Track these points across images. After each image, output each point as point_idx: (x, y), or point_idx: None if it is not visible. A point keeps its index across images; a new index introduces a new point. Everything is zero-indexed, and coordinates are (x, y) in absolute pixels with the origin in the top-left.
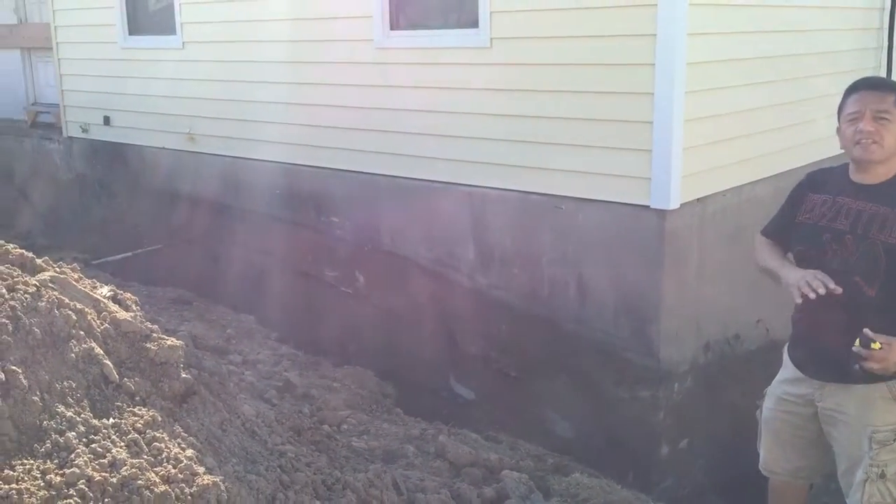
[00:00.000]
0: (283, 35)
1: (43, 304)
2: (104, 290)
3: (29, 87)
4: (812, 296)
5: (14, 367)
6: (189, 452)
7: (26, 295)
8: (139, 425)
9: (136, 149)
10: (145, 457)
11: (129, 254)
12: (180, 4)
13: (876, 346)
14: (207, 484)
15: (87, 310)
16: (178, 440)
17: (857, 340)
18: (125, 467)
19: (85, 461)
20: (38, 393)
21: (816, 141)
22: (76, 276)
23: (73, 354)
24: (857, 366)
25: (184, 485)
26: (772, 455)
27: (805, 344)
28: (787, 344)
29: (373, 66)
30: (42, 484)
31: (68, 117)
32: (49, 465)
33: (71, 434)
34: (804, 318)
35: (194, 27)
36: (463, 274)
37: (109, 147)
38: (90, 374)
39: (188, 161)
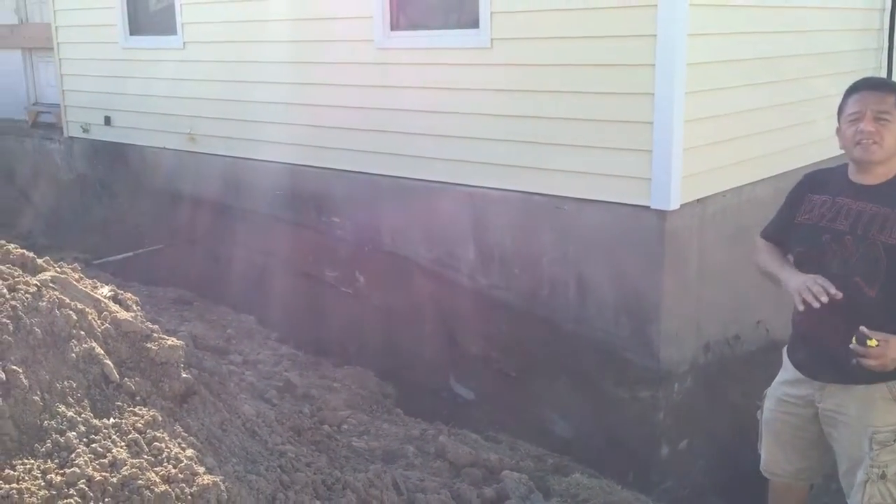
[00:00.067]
0: (283, 35)
1: (44, 303)
2: (105, 290)
3: (30, 87)
4: (816, 305)
5: (15, 367)
6: (189, 452)
7: (27, 295)
8: (139, 425)
9: (136, 149)
10: (146, 457)
11: (130, 254)
12: (181, 5)
13: (872, 342)
14: (208, 484)
15: (87, 310)
16: (179, 440)
17: (854, 338)
18: (125, 467)
19: (85, 461)
20: (38, 392)
21: (817, 141)
22: (77, 276)
23: (73, 354)
24: (854, 362)
25: (184, 485)
26: (772, 457)
27: (805, 345)
28: (786, 345)
29: (373, 67)
30: (42, 483)
31: (69, 117)
32: (49, 464)
33: (71, 434)
34: (804, 320)
35: (195, 27)
36: (463, 274)
37: (110, 147)
38: (91, 374)
39: (189, 161)
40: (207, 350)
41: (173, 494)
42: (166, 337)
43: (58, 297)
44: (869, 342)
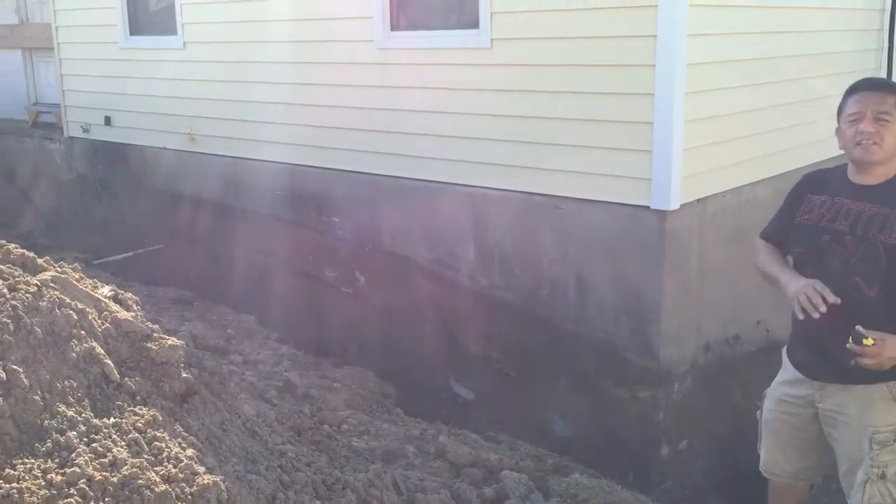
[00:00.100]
0: (284, 35)
1: (44, 303)
2: (105, 290)
3: (30, 87)
4: (816, 315)
5: (15, 367)
6: (189, 452)
7: (28, 294)
8: (140, 425)
9: (137, 149)
10: (146, 456)
11: (130, 254)
12: (181, 5)
13: (868, 341)
14: (208, 483)
15: (88, 309)
16: (179, 440)
17: (850, 337)
18: (126, 467)
19: (86, 460)
20: (39, 392)
21: (816, 142)
22: (77, 276)
23: (74, 354)
24: (852, 362)
25: (184, 484)
26: (772, 457)
27: (805, 345)
28: (785, 345)
29: (374, 67)
30: (43, 483)
31: (69, 117)
32: (50, 464)
33: (72, 433)
34: (804, 320)
35: (195, 27)
36: (463, 274)
37: (110, 147)
38: (91, 374)
39: (189, 161)
40: (208, 350)
41: (173, 494)
42: (166, 337)
43: (58, 297)
44: (865, 341)
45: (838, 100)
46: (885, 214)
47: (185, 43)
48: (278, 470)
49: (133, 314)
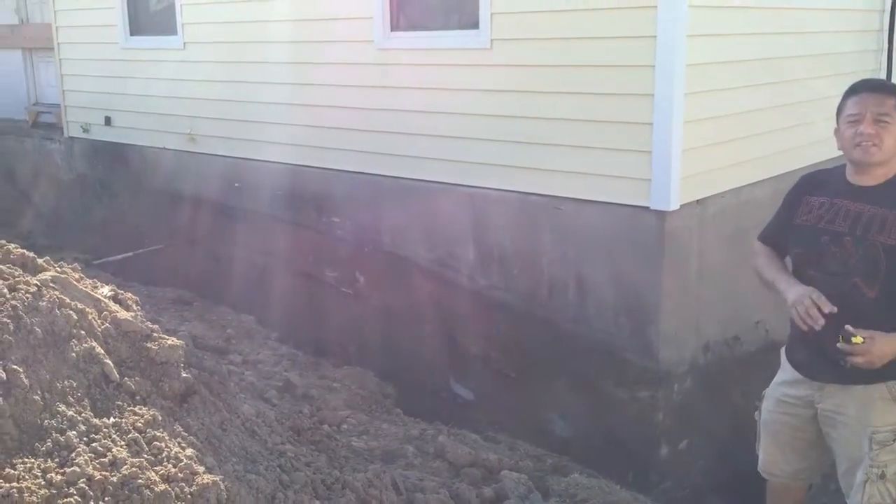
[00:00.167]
0: (284, 36)
1: (44, 303)
2: (105, 290)
3: (30, 88)
4: (817, 327)
5: (15, 367)
6: (189, 452)
7: (27, 294)
8: (139, 424)
9: (136, 149)
10: (145, 456)
11: (130, 254)
12: (181, 5)
13: (857, 339)
14: (207, 483)
15: (87, 309)
16: (179, 439)
17: (840, 337)
18: (125, 466)
19: (85, 460)
20: (39, 392)
21: (816, 143)
22: (77, 276)
23: (73, 354)
24: (843, 362)
25: (184, 484)
26: (771, 457)
27: (805, 345)
28: (784, 345)
29: (373, 67)
30: (43, 482)
31: (69, 117)
32: (50, 463)
33: (72, 433)
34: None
35: (195, 28)
36: (463, 274)
37: (110, 147)
38: (91, 374)
39: (189, 161)
40: (207, 350)
41: (173, 494)
42: (166, 337)
43: (58, 297)
44: (854, 339)
45: (838, 101)
46: (884, 215)
47: (185, 43)
48: (278, 470)
49: (133, 314)
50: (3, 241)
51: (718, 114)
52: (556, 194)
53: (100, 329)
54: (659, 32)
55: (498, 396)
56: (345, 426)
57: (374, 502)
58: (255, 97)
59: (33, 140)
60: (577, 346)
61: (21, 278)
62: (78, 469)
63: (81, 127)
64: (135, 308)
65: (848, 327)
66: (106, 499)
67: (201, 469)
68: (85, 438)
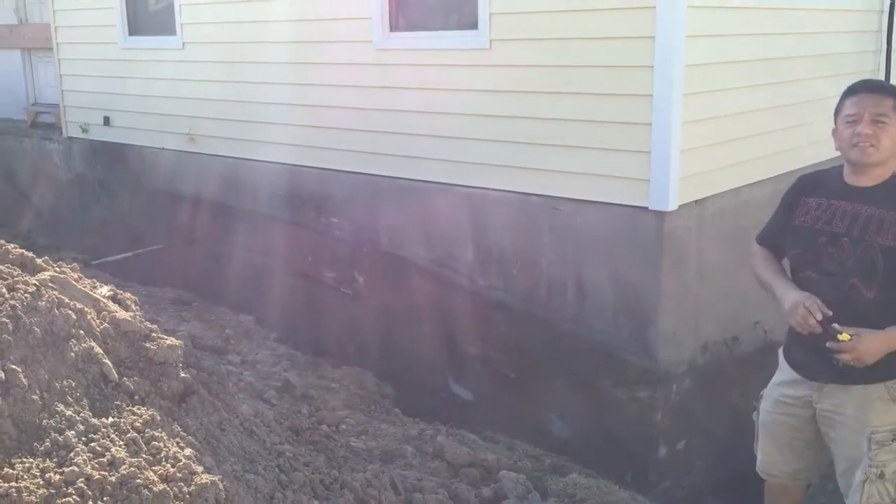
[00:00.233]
0: (283, 36)
1: (43, 303)
2: (104, 290)
3: (29, 88)
4: (818, 330)
5: (14, 366)
6: (187, 452)
7: (26, 294)
8: (138, 424)
9: (135, 149)
10: (144, 456)
11: (129, 254)
12: (180, 5)
13: (844, 337)
14: (206, 483)
15: (86, 309)
16: (177, 439)
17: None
18: (124, 466)
19: (84, 460)
20: (37, 392)
21: (815, 143)
22: (76, 276)
23: (72, 354)
24: (834, 360)
25: (182, 484)
26: (769, 457)
27: (803, 346)
28: (782, 346)
29: (373, 68)
30: (41, 482)
31: (68, 117)
32: (48, 463)
33: (70, 433)
34: None
35: (194, 28)
36: (462, 275)
37: (109, 147)
38: (90, 374)
39: (188, 161)
40: (206, 350)
41: (171, 493)
42: (165, 336)
43: (57, 297)
44: (840, 337)
45: (836, 101)
46: (881, 216)
47: (184, 43)
48: (276, 470)
49: (132, 314)
50: (2, 241)
51: (717, 114)
52: (555, 194)
53: (98, 329)
54: (658, 33)
55: (497, 396)
56: (343, 426)
57: (373, 502)
58: (255, 97)
59: (32, 140)
60: (576, 346)
61: (20, 278)
62: (76, 469)
63: (80, 127)
64: (133, 308)
65: (835, 325)
66: (104, 498)
67: (200, 469)
68: (83, 438)
